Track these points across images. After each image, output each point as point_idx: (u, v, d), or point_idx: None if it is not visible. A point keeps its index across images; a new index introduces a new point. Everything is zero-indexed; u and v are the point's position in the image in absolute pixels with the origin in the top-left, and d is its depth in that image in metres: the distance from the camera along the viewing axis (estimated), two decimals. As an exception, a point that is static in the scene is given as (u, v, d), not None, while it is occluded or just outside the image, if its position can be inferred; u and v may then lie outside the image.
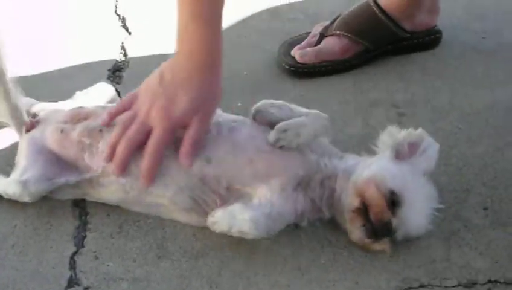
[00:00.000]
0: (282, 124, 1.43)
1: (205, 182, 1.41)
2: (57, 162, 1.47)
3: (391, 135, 1.46)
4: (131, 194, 1.45)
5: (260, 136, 1.44)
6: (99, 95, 1.69)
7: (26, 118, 1.55)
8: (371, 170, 1.40)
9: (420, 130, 1.46)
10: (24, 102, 1.61)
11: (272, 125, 1.44)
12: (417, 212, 1.38)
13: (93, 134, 1.47)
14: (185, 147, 1.39)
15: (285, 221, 1.41)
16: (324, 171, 1.43)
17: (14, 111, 1.54)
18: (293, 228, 1.45)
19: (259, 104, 1.49)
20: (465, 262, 1.40)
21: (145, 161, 1.40)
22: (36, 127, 1.53)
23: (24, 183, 1.43)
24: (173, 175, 1.42)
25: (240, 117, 1.52)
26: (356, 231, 1.38)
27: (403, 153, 1.43)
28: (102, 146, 1.45)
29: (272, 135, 1.42)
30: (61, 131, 1.48)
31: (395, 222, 1.35)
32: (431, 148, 1.44)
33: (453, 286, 1.36)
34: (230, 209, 1.36)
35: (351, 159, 1.46)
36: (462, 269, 1.38)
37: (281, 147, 1.42)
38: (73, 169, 1.47)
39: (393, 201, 1.36)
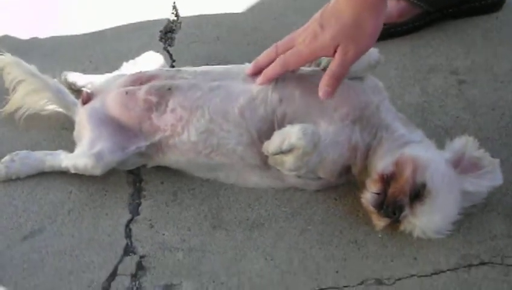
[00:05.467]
0: None
1: (274, 124, 1.39)
2: (122, 130, 1.44)
3: (466, 147, 1.40)
4: (202, 154, 1.42)
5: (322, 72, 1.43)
6: (147, 64, 1.64)
7: (72, 98, 1.55)
8: (423, 154, 1.36)
9: (497, 161, 1.38)
10: (70, 78, 1.65)
11: None
12: (433, 217, 1.32)
13: (161, 92, 1.43)
14: (324, 79, 1.34)
15: (339, 149, 1.37)
16: (383, 119, 1.41)
17: (57, 95, 1.55)
18: (352, 199, 1.43)
19: None
20: (529, 240, 1.36)
21: (273, 64, 1.39)
22: (93, 99, 1.50)
23: (97, 155, 1.40)
24: (250, 119, 1.40)
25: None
26: (368, 194, 1.34)
27: (461, 166, 1.38)
28: (173, 104, 1.42)
29: (325, 61, 1.43)
30: (126, 93, 1.45)
31: (406, 211, 1.31)
32: (495, 179, 1.37)
33: (516, 265, 1.32)
34: (284, 128, 1.35)
35: (416, 133, 1.42)
36: (526, 247, 1.35)
37: None
38: (139, 134, 1.44)
39: (418, 193, 1.31)
